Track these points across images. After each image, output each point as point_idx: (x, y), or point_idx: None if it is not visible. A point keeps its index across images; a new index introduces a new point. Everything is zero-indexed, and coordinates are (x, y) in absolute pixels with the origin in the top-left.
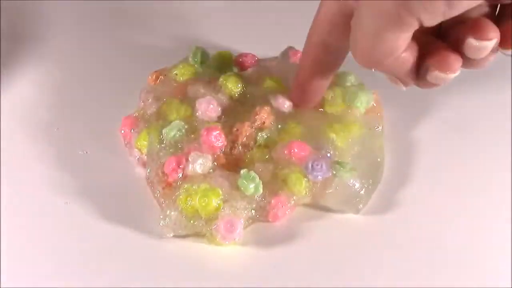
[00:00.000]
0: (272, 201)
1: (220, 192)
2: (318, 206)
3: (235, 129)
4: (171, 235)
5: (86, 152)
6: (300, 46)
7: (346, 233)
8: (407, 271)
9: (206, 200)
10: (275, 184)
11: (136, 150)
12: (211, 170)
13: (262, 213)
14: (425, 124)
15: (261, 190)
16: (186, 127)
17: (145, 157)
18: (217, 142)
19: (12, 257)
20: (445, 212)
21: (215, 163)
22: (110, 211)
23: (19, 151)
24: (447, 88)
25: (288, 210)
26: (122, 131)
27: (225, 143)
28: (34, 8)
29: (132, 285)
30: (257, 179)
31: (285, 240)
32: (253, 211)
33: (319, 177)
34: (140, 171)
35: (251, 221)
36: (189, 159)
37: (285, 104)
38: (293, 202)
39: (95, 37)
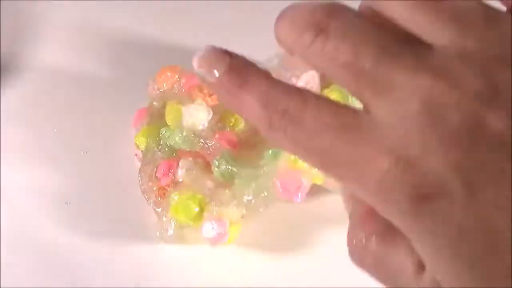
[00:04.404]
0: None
1: (199, 196)
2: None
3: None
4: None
5: (86, 152)
6: None
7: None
8: None
9: (186, 208)
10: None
11: (135, 146)
12: (200, 175)
13: (270, 192)
14: None
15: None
16: (192, 135)
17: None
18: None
19: (11, 256)
20: None
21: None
22: (111, 209)
23: (19, 151)
24: None
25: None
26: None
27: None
28: (34, 8)
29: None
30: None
31: (287, 238)
32: (244, 210)
33: None
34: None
35: (246, 212)
36: (179, 164)
37: None
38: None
39: (100, 34)
